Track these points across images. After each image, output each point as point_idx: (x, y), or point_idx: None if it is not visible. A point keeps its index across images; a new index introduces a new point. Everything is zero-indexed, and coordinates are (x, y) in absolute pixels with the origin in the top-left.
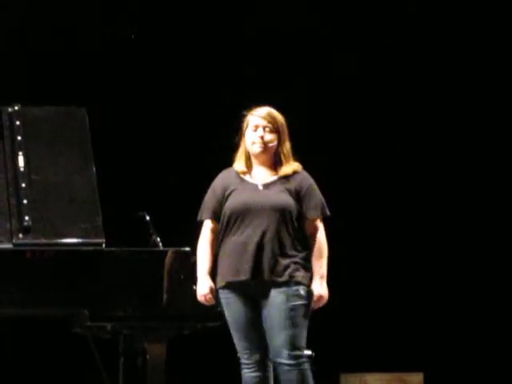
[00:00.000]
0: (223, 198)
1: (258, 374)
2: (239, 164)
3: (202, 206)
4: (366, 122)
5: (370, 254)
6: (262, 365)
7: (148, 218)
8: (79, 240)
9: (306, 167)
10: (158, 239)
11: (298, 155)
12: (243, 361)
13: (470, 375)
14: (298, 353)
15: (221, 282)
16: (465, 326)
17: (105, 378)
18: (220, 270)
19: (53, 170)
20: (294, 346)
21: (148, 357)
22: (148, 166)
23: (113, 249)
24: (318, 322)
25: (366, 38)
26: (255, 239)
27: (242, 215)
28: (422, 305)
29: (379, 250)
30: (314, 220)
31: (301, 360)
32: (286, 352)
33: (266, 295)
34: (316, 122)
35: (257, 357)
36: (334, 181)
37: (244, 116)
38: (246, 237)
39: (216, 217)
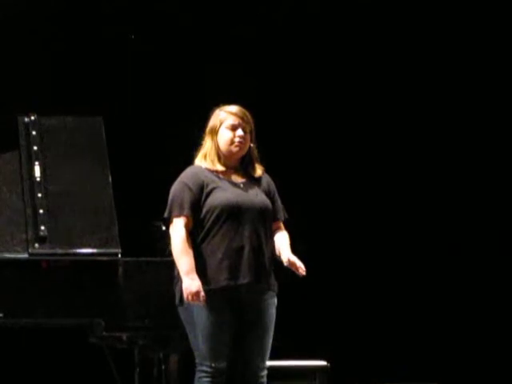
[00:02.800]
0: (202, 195)
1: (221, 382)
2: (209, 162)
3: (172, 202)
4: (366, 121)
5: (389, 269)
6: (223, 374)
7: (164, 227)
8: (95, 250)
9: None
10: None
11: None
12: (206, 368)
13: None
14: (266, 366)
15: (209, 285)
16: (480, 337)
17: None
18: (210, 272)
19: (69, 179)
20: (265, 359)
21: (163, 367)
22: (165, 176)
23: (129, 259)
24: (334, 334)
25: (364, 37)
26: (250, 242)
27: (232, 215)
28: (436, 315)
29: (399, 265)
30: (282, 222)
31: (265, 372)
32: (262, 365)
33: (256, 303)
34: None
35: (224, 365)
36: (328, 179)
37: (212, 112)
38: (240, 239)
39: (193, 214)
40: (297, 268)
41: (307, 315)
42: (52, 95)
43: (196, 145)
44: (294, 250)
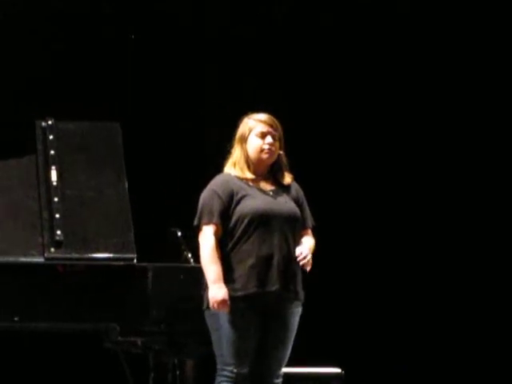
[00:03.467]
0: (232, 203)
1: None
2: (239, 170)
3: (202, 209)
4: (366, 121)
5: (399, 272)
6: (245, 380)
7: (180, 233)
8: (111, 255)
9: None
10: (190, 255)
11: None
12: (228, 373)
13: None
14: (282, 373)
15: (239, 292)
16: (495, 345)
17: None
18: (239, 278)
19: (85, 184)
20: (283, 366)
21: (178, 373)
22: (181, 182)
23: (144, 264)
24: (348, 341)
25: (364, 37)
26: (280, 250)
27: (262, 223)
28: (451, 324)
29: (416, 273)
30: (311, 229)
31: (281, 379)
32: (278, 372)
33: (282, 311)
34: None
35: (246, 371)
36: (330, 182)
37: (240, 120)
38: (270, 246)
39: (223, 221)
40: (301, 259)
41: (322, 322)
42: (70, 100)
43: (223, 153)
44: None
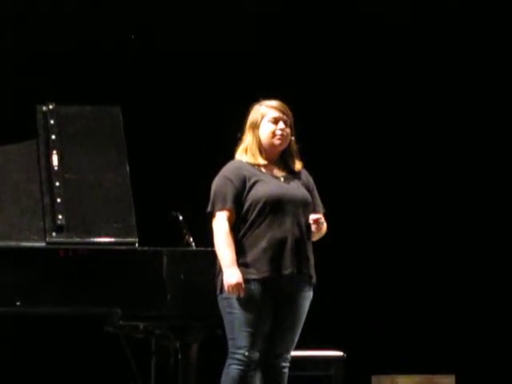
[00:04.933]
0: (244, 189)
1: (251, 372)
2: (251, 156)
3: (215, 196)
4: (367, 121)
5: (400, 257)
6: (255, 364)
7: (181, 217)
8: (112, 239)
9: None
10: (192, 239)
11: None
12: (239, 357)
13: (502, 377)
14: (289, 357)
15: (252, 275)
16: (497, 328)
17: (137, 377)
18: (253, 262)
19: (87, 168)
20: (291, 350)
21: (180, 357)
22: (182, 165)
23: (146, 248)
24: (350, 324)
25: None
26: (293, 233)
27: (276, 207)
28: (453, 306)
29: (410, 253)
30: (322, 214)
31: (288, 364)
32: (287, 356)
33: (294, 296)
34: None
35: (256, 356)
36: (334, 177)
37: (251, 107)
38: (283, 230)
39: (236, 207)
40: (316, 223)
41: (323, 305)
42: (70, 84)
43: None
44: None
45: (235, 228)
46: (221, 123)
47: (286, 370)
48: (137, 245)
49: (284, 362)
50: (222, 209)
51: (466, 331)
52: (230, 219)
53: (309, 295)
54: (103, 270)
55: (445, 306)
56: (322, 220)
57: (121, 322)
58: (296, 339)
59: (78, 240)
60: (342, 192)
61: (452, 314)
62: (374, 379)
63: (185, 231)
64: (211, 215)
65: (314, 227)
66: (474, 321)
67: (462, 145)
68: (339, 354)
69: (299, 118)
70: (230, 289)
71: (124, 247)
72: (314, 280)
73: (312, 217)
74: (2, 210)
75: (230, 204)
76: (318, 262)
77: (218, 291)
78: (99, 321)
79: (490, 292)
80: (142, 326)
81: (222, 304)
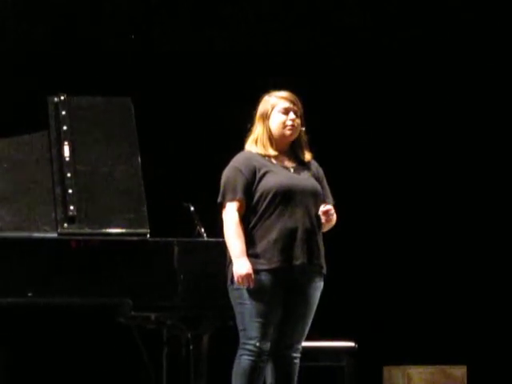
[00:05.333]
0: (255, 179)
1: (262, 363)
2: (261, 146)
3: (225, 187)
4: (377, 112)
5: (412, 250)
6: (266, 355)
7: (193, 208)
8: (124, 230)
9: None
10: (203, 230)
11: None
12: (250, 347)
13: None
14: (300, 348)
15: (262, 265)
16: (509, 319)
17: (148, 367)
18: (263, 253)
19: (98, 159)
20: (302, 341)
21: (192, 347)
22: (194, 156)
23: (157, 239)
24: (362, 315)
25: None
26: (304, 224)
27: (286, 197)
28: (466, 297)
29: (423, 243)
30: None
31: (299, 354)
32: (297, 346)
33: (304, 286)
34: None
35: (267, 346)
36: (343, 168)
37: (261, 98)
38: (294, 221)
39: (246, 197)
40: (326, 214)
41: (335, 296)
42: (82, 75)
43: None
44: None
45: (245, 219)
46: (232, 114)
47: (297, 361)
48: (148, 236)
49: (295, 352)
50: (232, 199)
51: (478, 322)
52: (240, 210)
53: (319, 285)
54: (115, 260)
55: (457, 297)
56: (332, 211)
57: (132, 313)
58: (307, 330)
59: (89, 231)
60: (351, 182)
61: (464, 305)
62: (386, 370)
63: (196, 222)
64: (221, 206)
65: (323, 218)
66: (486, 312)
67: (473, 139)
68: (351, 344)
69: (309, 109)
70: (240, 279)
71: (135, 238)
72: (324, 270)
73: (322, 208)
74: (13, 201)
75: (240, 195)
76: (330, 252)
77: (229, 282)
78: (111, 312)
79: (503, 283)
80: (153, 316)
81: (232, 295)
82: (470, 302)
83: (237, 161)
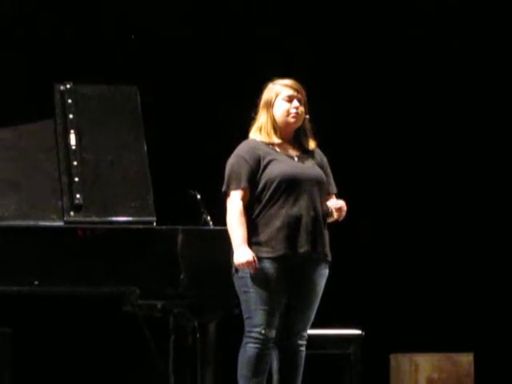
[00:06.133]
0: (259, 168)
1: (268, 351)
2: (265, 135)
3: (230, 175)
4: (381, 102)
5: (419, 237)
6: (271, 343)
7: (199, 196)
8: (130, 218)
9: None
10: (209, 218)
11: None
12: (255, 335)
13: None
14: (306, 335)
15: (266, 253)
16: None
17: (155, 356)
18: (268, 241)
19: (104, 147)
20: (308, 328)
21: (198, 335)
22: (200, 144)
23: (164, 227)
24: (369, 303)
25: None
26: (307, 212)
27: (290, 186)
28: (472, 285)
29: (430, 232)
30: (334, 196)
31: (305, 342)
32: (303, 334)
33: (309, 273)
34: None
35: (272, 334)
36: (347, 156)
37: (265, 86)
38: (298, 209)
39: (251, 186)
40: (338, 210)
41: (342, 284)
42: (88, 63)
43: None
44: None
45: (250, 207)
46: (239, 102)
47: (303, 348)
48: (155, 224)
49: (301, 339)
50: (236, 188)
51: (484, 309)
52: (244, 199)
53: (324, 273)
54: (121, 248)
55: (464, 284)
56: (345, 208)
57: (139, 301)
58: (312, 317)
59: (95, 219)
60: (356, 170)
61: (471, 292)
62: (393, 358)
63: (202, 210)
64: (226, 195)
65: (336, 214)
66: (493, 299)
67: (477, 135)
68: (358, 332)
69: (314, 98)
70: (241, 266)
71: (142, 226)
72: (329, 258)
73: (334, 204)
74: (20, 190)
75: (244, 183)
76: (338, 240)
77: (233, 270)
78: (117, 300)
79: (509, 270)
80: (159, 305)
81: (237, 283)
82: (477, 290)
83: (241, 149)
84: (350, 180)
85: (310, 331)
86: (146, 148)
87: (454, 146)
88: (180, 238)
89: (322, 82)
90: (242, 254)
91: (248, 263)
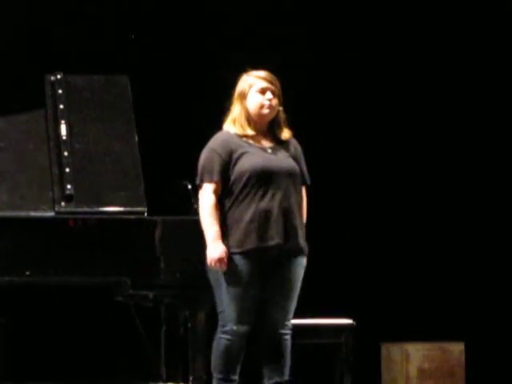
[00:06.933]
0: (231, 161)
1: (240, 344)
2: (239, 127)
3: (203, 168)
4: (367, 117)
5: (409, 226)
6: (246, 336)
7: (190, 186)
8: (121, 208)
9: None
10: None
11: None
12: (228, 329)
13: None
14: (290, 325)
15: (237, 248)
16: (507, 295)
17: (147, 346)
18: (238, 235)
19: (95, 138)
20: (290, 318)
21: (189, 325)
22: (191, 134)
23: (155, 217)
24: (360, 293)
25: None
26: (279, 204)
27: (262, 179)
28: (463, 273)
29: (420, 220)
30: (305, 187)
31: (289, 331)
32: (286, 323)
33: (283, 264)
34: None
35: (245, 329)
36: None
37: (239, 78)
38: (269, 202)
39: (223, 180)
40: None
41: (333, 274)
42: (78, 53)
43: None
44: None
45: (221, 201)
46: (231, 92)
47: (288, 337)
48: (146, 214)
49: (283, 329)
50: (209, 181)
51: (475, 298)
52: (216, 192)
53: (300, 262)
54: (112, 239)
55: (454, 274)
56: None
57: (130, 292)
58: (293, 306)
59: (86, 209)
60: (351, 160)
61: (461, 282)
62: (384, 347)
63: (193, 200)
64: (198, 188)
65: None
66: (484, 288)
67: (464, 135)
68: (349, 322)
69: (290, 88)
70: (213, 263)
71: (133, 216)
72: (304, 249)
73: None
74: (10, 180)
75: (217, 177)
76: (327, 230)
77: (207, 265)
78: (109, 290)
79: (500, 259)
80: (151, 295)
81: (210, 277)
82: (468, 279)
83: (214, 142)
84: (343, 170)
85: (302, 321)
86: (137, 138)
87: (443, 137)
88: (171, 228)
89: (316, 79)
90: (214, 249)
91: (219, 260)
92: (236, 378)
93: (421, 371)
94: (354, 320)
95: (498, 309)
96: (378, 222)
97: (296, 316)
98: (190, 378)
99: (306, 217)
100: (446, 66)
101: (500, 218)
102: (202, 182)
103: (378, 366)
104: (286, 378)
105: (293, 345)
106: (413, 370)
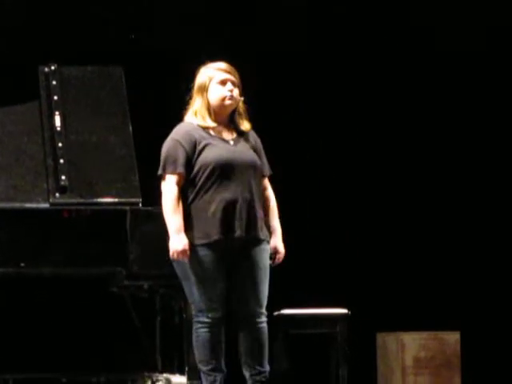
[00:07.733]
0: (194, 153)
1: (218, 331)
2: (201, 118)
3: (166, 159)
4: (366, 116)
5: (405, 216)
6: (222, 323)
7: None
8: (116, 199)
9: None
10: None
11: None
12: (202, 319)
13: (508, 334)
14: (265, 312)
15: (202, 240)
16: (502, 285)
17: (142, 336)
18: (202, 227)
19: (89, 129)
20: (264, 304)
21: (184, 316)
22: None
23: (149, 208)
24: (355, 282)
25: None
26: (242, 195)
27: (225, 171)
28: (459, 263)
29: (415, 209)
30: (267, 177)
31: (265, 318)
32: (260, 311)
33: (248, 252)
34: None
35: (219, 315)
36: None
37: (198, 70)
38: (233, 193)
39: (186, 171)
40: (276, 258)
41: (328, 263)
42: (72, 45)
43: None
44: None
45: (184, 192)
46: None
47: (264, 325)
48: (140, 205)
49: (258, 317)
50: (172, 173)
51: (471, 288)
52: (179, 183)
53: (264, 248)
54: (106, 230)
55: (450, 263)
56: (279, 253)
57: (125, 282)
58: (264, 293)
59: (81, 201)
60: (345, 153)
61: (457, 271)
62: (379, 336)
63: None
64: (161, 178)
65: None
66: (479, 278)
67: (463, 133)
68: (344, 311)
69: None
70: (176, 255)
71: (127, 207)
72: (264, 236)
73: (278, 254)
74: (5, 172)
75: (180, 168)
76: (322, 220)
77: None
78: (104, 281)
79: (496, 249)
80: (146, 285)
81: (177, 270)
82: (463, 268)
83: (177, 133)
84: (336, 163)
85: (297, 311)
86: (131, 129)
87: (440, 132)
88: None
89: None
90: (177, 242)
91: (182, 252)
92: (222, 367)
93: (416, 360)
94: (349, 309)
95: (494, 298)
96: (373, 212)
97: (291, 306)
98: (186, 369)
99: (277, 207)
100: (443, 66)
101: (496, 209)
102: (164, 172)
103: (373, 355)
104: (267, 368)
105: (288, 335)
106: (408, 360)
